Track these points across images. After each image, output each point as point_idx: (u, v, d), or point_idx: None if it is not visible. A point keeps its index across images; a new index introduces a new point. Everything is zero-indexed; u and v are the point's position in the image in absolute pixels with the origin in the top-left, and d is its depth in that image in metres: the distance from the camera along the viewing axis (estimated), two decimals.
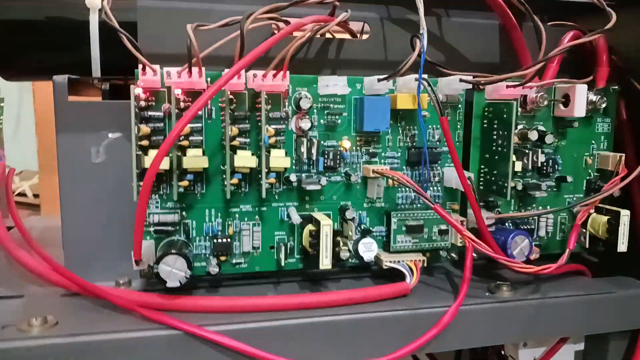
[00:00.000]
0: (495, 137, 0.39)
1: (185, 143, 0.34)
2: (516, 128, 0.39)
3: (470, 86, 0.38)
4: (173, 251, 0.34)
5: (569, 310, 0.39)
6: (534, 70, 0.37)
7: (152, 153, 0.33)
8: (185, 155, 0.34)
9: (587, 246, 0.42)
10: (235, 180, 0.35)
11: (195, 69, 0.34)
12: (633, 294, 0.41)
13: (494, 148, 0.40)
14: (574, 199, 0.44)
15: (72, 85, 0.39)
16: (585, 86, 0.40)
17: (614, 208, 0.41)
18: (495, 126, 0.39)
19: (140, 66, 0.33)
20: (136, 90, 0.33)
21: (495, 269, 0.44)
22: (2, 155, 0.49)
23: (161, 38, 0.38)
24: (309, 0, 0.35)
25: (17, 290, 0.38)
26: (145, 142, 0.34)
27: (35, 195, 1.08)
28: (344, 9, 0.39)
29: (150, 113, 0.34)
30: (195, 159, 0.34)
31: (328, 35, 0.42)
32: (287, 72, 0.35)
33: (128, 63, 0.36)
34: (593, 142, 0.44)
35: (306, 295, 0.36)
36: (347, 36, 0.43)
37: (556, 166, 0.42)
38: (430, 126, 0.40)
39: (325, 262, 0.36)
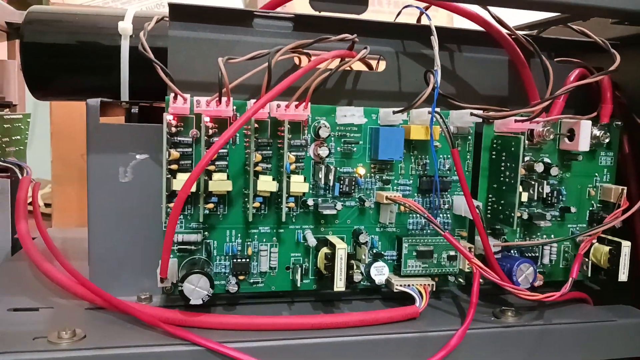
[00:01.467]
0: (502, 168, 0.41)
1: (212, 167, 0.36)
2: (523, 160, 0.41)
3: (480, 119, 0.40)
4: (197, 270, 0.36)
5: (570, 337, 0.41)
6: (541, 107, 0.39)
7: (180, 176, 0.35)
8: (211, 179, 0.36)
9: (589, 275, 0.44)
10: (257, 204, 0.37)
11: (223, 99, 0.36)
12: (633, 323, 0.43)
13: (501, 179, 0.42)
14: (577, 228, 0.46)
15: (102, 107, 0.41)
16: (590, 122, 0.42)
17: (616, 239, 0.42)
18: (503, 158, 0.41)
19: (171, 94, 0.36)
20: (168, 117, 0.35)
21: (499, 294, 0.45)
22: (28, 169, 0.51)
23: (190, 66, 0.40)
24: (332, 38, 0.37)
25: (44, 302, 0.40)
26: (174, 166, 0.36)
27: (47, 205, 1.10)
28: (363, 44, 0.41)
29: (179, 138, 0.36)
30: (220, 183, 0.36)
31: (346, 67, 0.44)
32: (309, 103, 0.37)
33: (154, 87, 0.39)
34: (596, 174, 0.46)
35: (321, 317, 0.38)
36: (364, 68, 0.45)
37: (560, 197, 0.44)
38: (441, 156, 0.42)
39: (340, 284, 0.38)
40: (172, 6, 0.39)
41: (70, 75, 0.46)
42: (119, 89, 0.45)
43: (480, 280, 0.40)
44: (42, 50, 0.44)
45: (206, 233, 0.39)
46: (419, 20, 0.45)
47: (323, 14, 0.41)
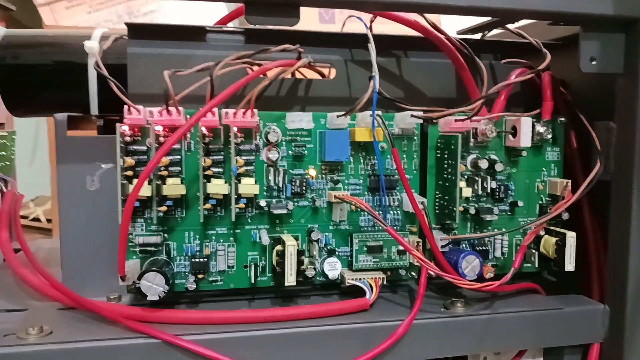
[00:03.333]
0: (446, 165, 0.44)
1: (164, 173, 0.39)
2: (463, 158, 0.43)
3: (421, 120, 0.42)
4: (153, 268, 0.38)
5: (517, 325, 0.43)
6: (478, 104, 0.41)
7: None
8: (165, 183, 0.39)
9: (536, 265, 0.46)
10: (208, 205, 0.40)
11: (174, 108, 0.39)
12: (580, 310, 0.44)
13: (445, 176, 0.44)
14: (528, 222, 0.47)
15: (74, 121, 0.45)
16: (530, 119, 0.44)
17: (562, 230, 0.44)
18: (446, 156, 0.44)
19: (125, 107, 0.39)
20: (122, 128, 0.38)
21: (455, 287, 0.47)
22: (13, 183, 0.55)
23: (149, 80, 0.43)
24: (273, 48, 0.40)
25: (21, 304, 0.43)
26: (129, 173, 0.39)
27: (49, 220, 1.14)
28: (313, 54, 0.44)
29: (135, 147, 0.39)
30: (173, 187, 0.39)
31: (299, 76, 0.47)
32: (255, 110, 0.40)
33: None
34: (544, 169, 0.47)
35: (273, 310, 0.41)
36: (317, 76, 0.48)
37: (509, 192, 0.46)
38: (388, 156, 0.44)
39: (290, 279, 0.40)
40: (129, 26, 0.42)
41: (44, 92, 0.49)
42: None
43: (431, 273, 0.42)
44: (17, 71, 0.48)
45: (166, 235, 0.41)
46: (370, 28, 0.48)
47: (272, 26, 0.44)
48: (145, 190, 0.38)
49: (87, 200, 0.43)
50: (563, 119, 0.47)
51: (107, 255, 0.44)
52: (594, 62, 0.41)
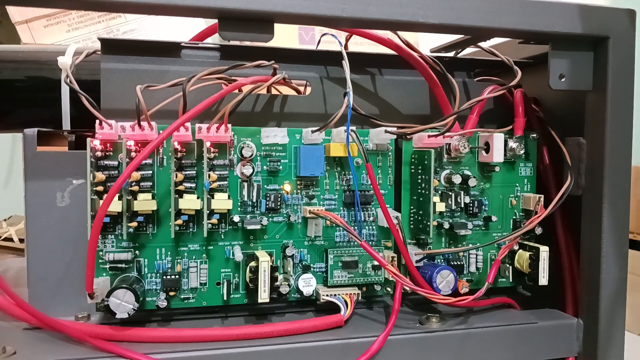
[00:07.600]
0: (419, 180, 0.44)
1: (135, 188, 0.39)
2: (437, 173, 0.44)
3: (395, 136, 0.42)
4: (123, 285, 0.37)
5: (492, 340, 0.43)
6: (450, 120, 0.42)
7: None
8: (136, 199, 0.39)
9: (511, 280, 0.46)
10: (179, 221, 0.39)
11: (146, 123, 0.38)
12: (555, 325, 0.44)
13: (419, 191, 0.44)
14: (502, 237, 0.48)
15: (45, 137, 0.44)
16: (502, 134, 0.45)
17: (535, 244, 0.45)
18: (420, 171, 0.44)
19: (97, 121, 0.38)
20: (93, 142, 0.38)
21: (430, 303, 0.47)
22: None
23: (123, 95, 0.43)
24: (247, 64, 0.40)
25: None
26: (100, 188, 0.38)
27: (22, 240, 1.12)
28: (289, 71, 0.44)
29: (106, 162, 0.39)
30: (144, 202, 0.38)
31: (275, 92, 0.47)
32: (229, 125, 0.40)
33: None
34: (517, 184, 0.48)
35: (246, 327, 0.40)
36: (292, 92, 0.48)
37: (483, 207, 0.47)
38: (363, 171, 0.44)
39: (264, 295, 0.39)
40: (102, 41, 0.42)
41: (19, 108, 0.49)
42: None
43: (406, 288, 0.42)
44: None
45: (137, 252, 0.40)
46: (346, 47, 0.48)
47: (247, 43, 0.44)
48: (116, 206, 0.37)
49: (57, 217, 0.42)
50: (535, 135, 0.48)
51: (77, 274, 0.43)
52: (563, 79, 0.42)
